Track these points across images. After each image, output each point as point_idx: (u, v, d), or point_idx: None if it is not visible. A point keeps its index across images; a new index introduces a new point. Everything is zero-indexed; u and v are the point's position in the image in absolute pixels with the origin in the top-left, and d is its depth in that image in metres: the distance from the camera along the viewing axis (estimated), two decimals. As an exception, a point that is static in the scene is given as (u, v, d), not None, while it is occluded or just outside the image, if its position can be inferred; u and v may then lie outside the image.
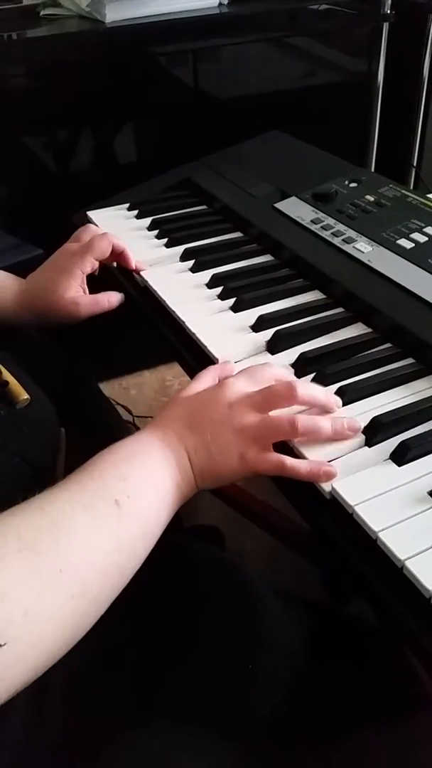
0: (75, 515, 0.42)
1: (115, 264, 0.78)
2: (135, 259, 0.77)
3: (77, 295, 0.72)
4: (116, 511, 0.43)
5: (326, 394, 0.54)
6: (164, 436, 0.50)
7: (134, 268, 0.76)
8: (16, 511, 0.41)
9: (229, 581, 0.60)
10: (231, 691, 0.53)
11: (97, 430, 0.77)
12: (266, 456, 0.50)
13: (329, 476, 0.48)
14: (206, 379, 0.56)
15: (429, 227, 0.72)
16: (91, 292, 0.74)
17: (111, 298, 0.73)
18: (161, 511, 0.47)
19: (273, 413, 0.52)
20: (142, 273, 0.76)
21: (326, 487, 0.48)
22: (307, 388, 0.52)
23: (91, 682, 0.51)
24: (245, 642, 0.55)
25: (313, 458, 0.50)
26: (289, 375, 0.57)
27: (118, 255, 0.75)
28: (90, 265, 0.72)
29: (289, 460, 0.49)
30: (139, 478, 0.47)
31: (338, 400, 0.54)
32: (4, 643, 0.35)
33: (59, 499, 0.43)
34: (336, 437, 0.51)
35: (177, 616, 0.55)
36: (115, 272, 0.80)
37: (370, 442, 0.51)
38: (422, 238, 0.70)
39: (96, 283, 0.75)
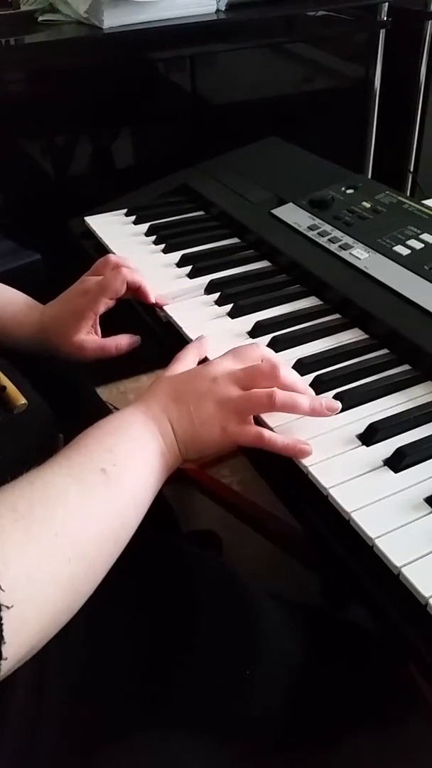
0: (64, 486, 0.44)
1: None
2: (155, 294, 0.72)
3: (85, 338, 0.69)
4: (104, 479, 0.45)
5: (305, 384, 0.56)
6: (147, 409, 0.52)
7: (153, 302, 0.72)
8: (7, 488, 0.43)
9: (226, 586, 0.60)
10: (230, 694, 0.53)
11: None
12: (246, 428, 0.52)
13: (304, 453, 0.51)
14: (187, 359, 0.59)
15: (425, 234, 0.72)
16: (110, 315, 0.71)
17: (121, 344, 0.70)
18: (149, 479, 0.49)
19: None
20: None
21: (323, 491, 0.49)
22: (289, 372, 0.55)
23: (90, 687, 0.51)
24: (243, 647, 0.55)
25: (309, 462, 0.50)
26: (273, 355, 0.59)
27: (135, 290, 0.71)
28: (104, 305, 0.70)
29: (267, 433, 0.52)
30: (124, 447, 0.49)
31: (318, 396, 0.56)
32: (12, 605, 0.37)
33: (48, 473, 0.45)
34: (313, 414, 0.53)
35: (175, 621, 0.56)
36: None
37: (366, 448, 0.51)
38: (418, 245, 0.71)
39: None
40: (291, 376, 0.55)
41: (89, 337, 0.70)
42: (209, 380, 0.54)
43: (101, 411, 0.89)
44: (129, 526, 0.47)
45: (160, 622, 0.55)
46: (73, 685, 0.50)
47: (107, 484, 0.46)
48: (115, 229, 0.89)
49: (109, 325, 0.72)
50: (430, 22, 1.41)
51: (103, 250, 0.85)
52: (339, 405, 0.54)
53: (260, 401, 0.52)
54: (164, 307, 0.71)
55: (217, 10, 1.29)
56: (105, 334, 0.72)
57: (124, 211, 0.93)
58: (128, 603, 0.56)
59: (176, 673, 0.53)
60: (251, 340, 0.65)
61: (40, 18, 1.29)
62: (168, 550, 0.63)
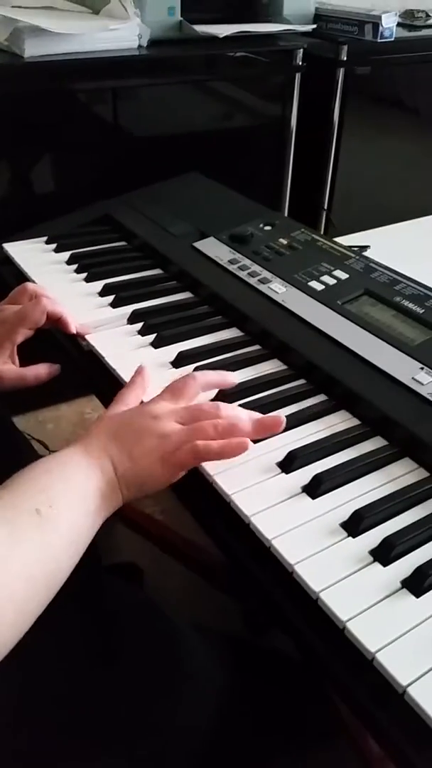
0: None
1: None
2: (77, 324, 0.71)
3: (3, 368, 0.68)
4: (37, 521, 0.44)
5: (249, 414, 0.56)
6: (86, 449, 0.51)
7: (75, 332, 0.71)
8: None
9: (148, 619, 0.60)
10: (151, 725, 0.52)
11: (12, 467, 0.75)
12: (183, 450, 0.51)
13: (242, 448, 0.52)
14: (128, 399, 0.58)
15: (337, 270, 0.76)
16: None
17: (40, 373, 0.69)
18: (86, 519, 0.48)
19: None
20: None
21: (244, 519, 0.49)
22: (230, 409, 0.55)
23: (11, 719, 0.49)
24: (165, 678, 0.55)
25: (230, 490, 0.51)
26: (214, 378, 0.60)
27: (55, 321, 0.70)
28: (22, 335, 0.69)
29: (201, 443, 0.51)
30: (61, 487, 0.47)
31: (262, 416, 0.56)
32: None
33: None
34: (257, 435, 0.54)
35: (98, 655, 0.55)
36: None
37: (285, 476, 0.53)
38: (331, 281, 0.74)
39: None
40: (233, 411, 0.55)
41: (6, 366, 0.69)
42: (150, 418, 0.53)
43: (17, 441, 0.87)
44: (65, 568, 0.46)
45: (82, 656, 0.54)
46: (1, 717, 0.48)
47: (41, 526, 0.44)
48: (35, 257, 0.88)
49: (28, 352, 0.71)
50: (341, 69, 1.49)
51: (22, 277, 0.84)
52: (282, 419, 0.55)
53: (205, 432, 0.52)
54: (86, 337, 0.71)
55: (139, 46, 1.32)
56: (23, 362, 0.71)
57: (45, 238, 0.92)
58: (50, 637, 0.54)
59: (97, 704, 0.52)
60: (175, 371, 0.66)
61: (-41, 42, 1.27)
62: (90, 584, 0.62)
